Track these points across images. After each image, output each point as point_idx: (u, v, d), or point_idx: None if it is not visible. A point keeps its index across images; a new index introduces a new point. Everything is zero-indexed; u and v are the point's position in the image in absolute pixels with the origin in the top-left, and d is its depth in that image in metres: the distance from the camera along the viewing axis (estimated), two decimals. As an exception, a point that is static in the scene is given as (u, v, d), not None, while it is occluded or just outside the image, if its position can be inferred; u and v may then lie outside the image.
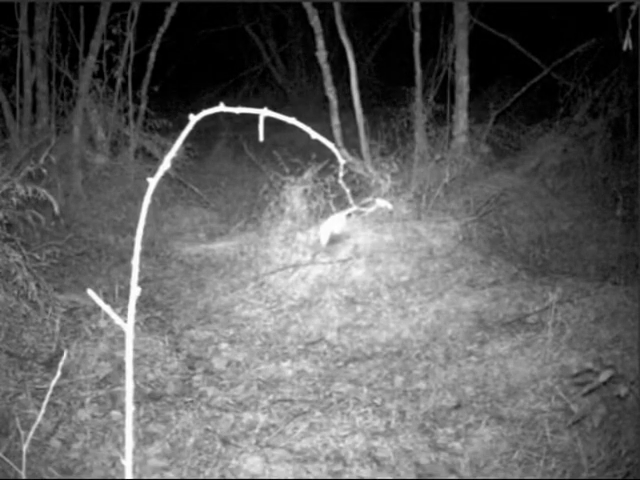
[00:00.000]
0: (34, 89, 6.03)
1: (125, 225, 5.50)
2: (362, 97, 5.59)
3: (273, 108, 1.28)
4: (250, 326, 4.07)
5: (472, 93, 6.11)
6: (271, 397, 3.27)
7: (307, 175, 5.00)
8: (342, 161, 1.40)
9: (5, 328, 3.60)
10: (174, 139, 1.22)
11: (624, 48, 2.84)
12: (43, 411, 2.09)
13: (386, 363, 3.61)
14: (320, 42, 5.59)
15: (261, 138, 1.24)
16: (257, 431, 2.95)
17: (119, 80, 6.25)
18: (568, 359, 3.29)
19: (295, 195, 4.94)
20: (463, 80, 5.95)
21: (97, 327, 3.68)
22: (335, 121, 5.62)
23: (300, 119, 1.32)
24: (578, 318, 3.57)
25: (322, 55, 5.63)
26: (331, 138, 5.27)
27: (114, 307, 1.36)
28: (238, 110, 1.26)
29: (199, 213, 6.03)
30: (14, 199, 3.86)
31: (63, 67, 6.18)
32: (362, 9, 10.00)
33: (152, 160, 6.28)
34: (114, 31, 6.14)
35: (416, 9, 5.74)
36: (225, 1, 9.29)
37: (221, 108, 1.25)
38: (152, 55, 6.52)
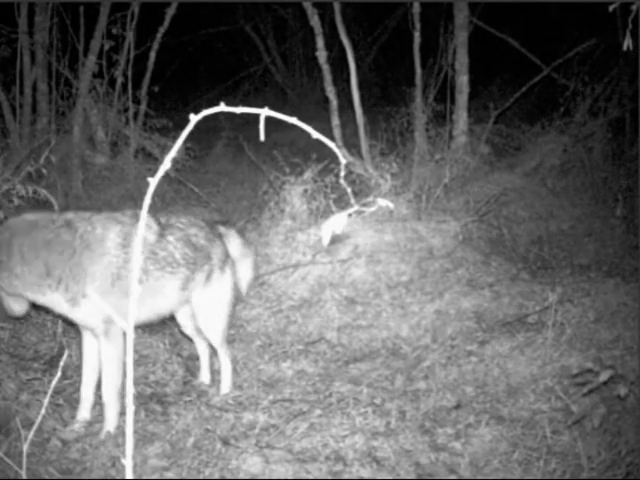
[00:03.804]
0: (34, 89, 6.03)
1: (125, 225, 5.49)
2: (362, 97, 5.59)
3: (273, 108, 1.28)
4: (250, 326, 4.07)
5: (472, 93, 6.11)
6: (271, 397, 3.26)
7: (307, 175, 4.99)
8: (343, 161, 1.40)
9: (7, 329, 3.61)
10: (174, 139, 1.22)
11: (624, 48, 2.85)
12: (43, 411, 2.09)
13: (386, 363, 3.61)
14: (320, 42, 5.59)
15: (262, 138, 1.24)
16: (257, 431, 2.95)
17: (119, 80, 6.26)
18: (568, 359, 3.29)
19: (295, 195, 4.94)
20: (463, 80, 5.95)
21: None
22: (335, 121, 5.62)
23: (300, 119, 1.32)
24: (578, 318, 3.57)
25: (322, 55, 5.62)
26: (331, 138, 5.27)
27: (114, 307, 1.36)
28: (238, 110, 1.26)
29: (199, 213, 6.03)
30: (15, 199, 3.86)
31: (63, 67, 6.18)
32: (362, 9, 10.01)
33: (152, 160, 6.28)
34: (114, 31, 6.14)
35: (416, 9, 5.74)
36: (225, 1, 9.30)
37: (221, 108, 1.26)
38: (152, 55, 6.52)
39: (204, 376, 3.51)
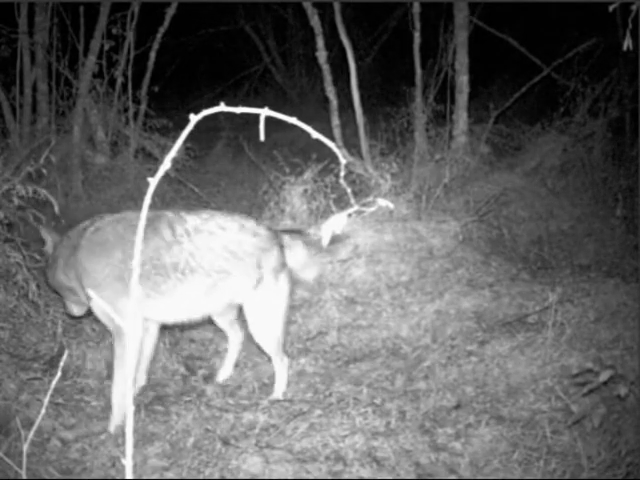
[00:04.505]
0: (34, 89, 6.03)
1: (125, 225, 5.48)
2: (362, 97, 5.59)
3: (273, 108, 1.28)
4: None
5: (472, 93, 6.11)
6: (271, 397, 3.27)
7: (307, 175, 5.00)
8: (343, 160, 1.40)
9: (7, 329, 3.60)
10: (174, 139, 1.22)
11: (624, 48, 2.85)
12: (43, 411, 2.09)
13: (386, 363, 3.61)
14: (320, 42, 5.59)
15: (262, 138, 1.25)
16: (257, 431, 2.95)
17: (119, 80, 6.25)
18: (568, 359, 3.29)
19: (295, 195, 4.94)
20: (463, 80, 5.95)
21: (98, 328, 3.68)
22: (335, 121, 5.62)
23: (300, 119, 1.32)
24: (578, 318, 3.57)
25: (322, 55, 5.62)
26: (331, 138, 5.27)
27: (114, 307, 1.36)
28: (238, 110, 1.26)
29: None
30: (15, 199, 3.86)
31: (63, 67, 6.18)
32: (362, 9, 10.01)
33: (152, 160, 6.27)
34: (114, 31, 6.13)
35: (416, 9, 5.74)
36: (225, 1, 9.29)
37: (221, 108, 1.26)
38: (152, 55, 6.52)
39: (223, 372, 3.51)
